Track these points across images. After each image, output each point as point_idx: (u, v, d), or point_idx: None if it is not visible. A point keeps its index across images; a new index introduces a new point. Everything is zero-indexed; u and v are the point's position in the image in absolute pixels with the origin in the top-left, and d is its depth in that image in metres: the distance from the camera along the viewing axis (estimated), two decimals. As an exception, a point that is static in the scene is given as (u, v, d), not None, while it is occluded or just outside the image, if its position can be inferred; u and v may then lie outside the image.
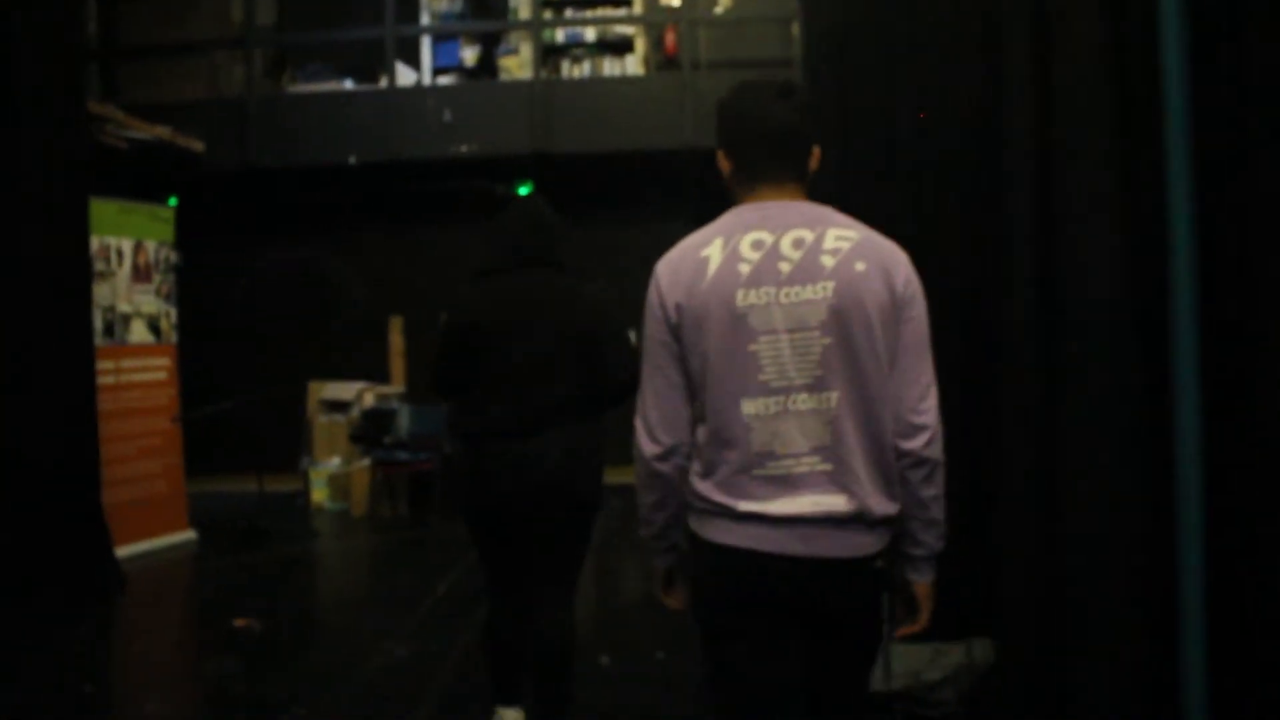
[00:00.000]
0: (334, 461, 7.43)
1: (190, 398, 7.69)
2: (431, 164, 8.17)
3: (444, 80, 8.62)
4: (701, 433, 1.78)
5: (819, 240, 1.75)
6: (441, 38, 8.79)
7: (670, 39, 8.68)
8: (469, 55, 8.80)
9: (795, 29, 8.58)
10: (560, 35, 8.76)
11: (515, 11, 8.64)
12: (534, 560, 2.97)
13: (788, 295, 1.72)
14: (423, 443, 6.67)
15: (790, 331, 1.72)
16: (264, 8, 9.30)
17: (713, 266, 1.74)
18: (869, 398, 1.73)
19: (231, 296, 8.98)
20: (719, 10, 8.72)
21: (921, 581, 1.88)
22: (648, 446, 1.82)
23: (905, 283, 1.77)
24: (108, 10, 8.53)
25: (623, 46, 8.76)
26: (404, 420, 6.86)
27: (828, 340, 1.71)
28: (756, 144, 1.80)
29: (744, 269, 1.73)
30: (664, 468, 1.81)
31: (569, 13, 8.80)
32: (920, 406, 1.77)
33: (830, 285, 1.72)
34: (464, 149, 8.00)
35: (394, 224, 8.82)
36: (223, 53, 8.65)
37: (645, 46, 8.77)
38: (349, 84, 8.61)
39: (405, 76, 8.46)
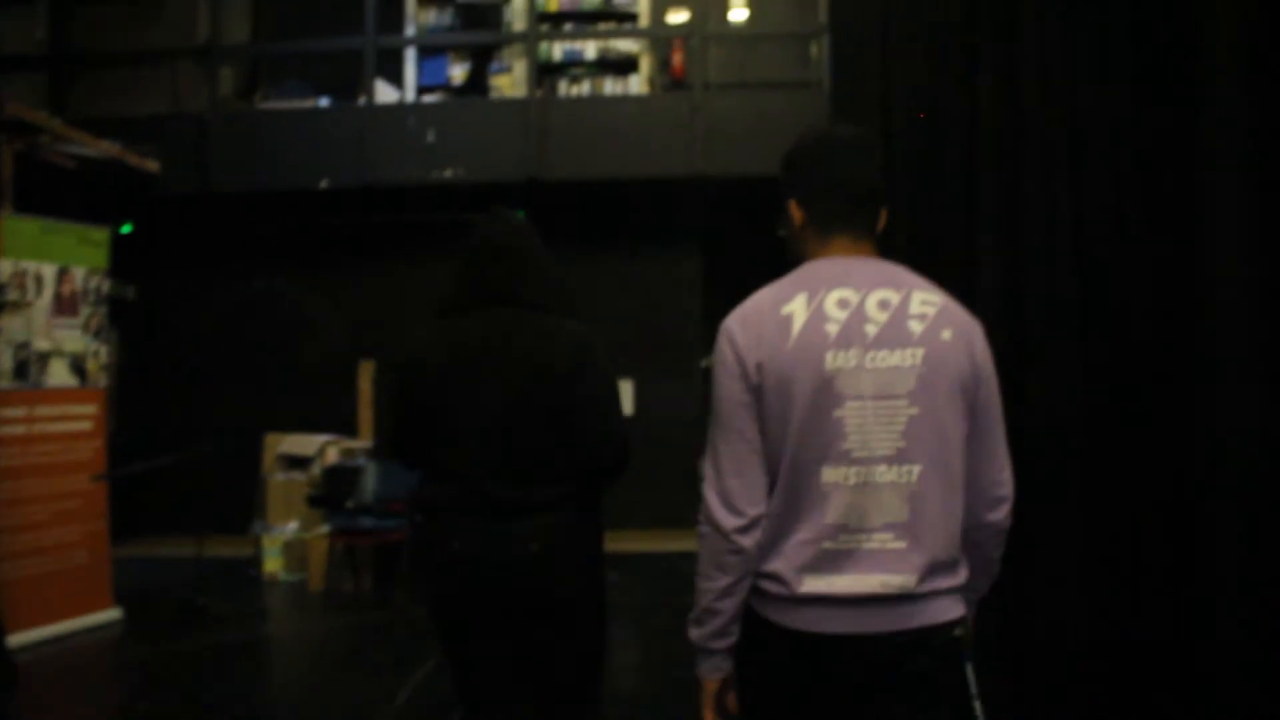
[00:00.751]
0: (290, 526, 6.52)
1: (131, 450, 6.89)
2: (412, 190, 7.35)
3: (428, 99, 7.79)
4: (772, 503, 1.68)
5: (905, 303, 1.69)
6: (428, 53, 7.97)
7: (678, 59, 7.89)
8: (458, 73, 7.98)
9: (816, 48, 7.84)
10: (558, 52, 7.94)
11: (509, 26, 7.83)
12: (517, 678, 2.44)
13: (874, 360, 1.65)
14: (391, 508, 5.76)
15: (876, 399, 1.64)
16: (237, 21, 8.55)
17: (797, 325, 1.67)
18: (951, 472, 1.68)
19: (185, 335, 8.14)
20: (732, 22, 7.92)
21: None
22: (728, 519, 1.68)
23: (983, 353, 1.74)
24: (59, 15, 7.70)
25: (625, 66, 7.94)
26: (370, 481, 5.96)
27: (914, 410, 1.65)
28: (837, 198, 1.75)
29: (832, 329, 1.66)
30: (746, 542, 1.68)
31: (568, 27, 7.99)
32: (1001, 478, 1.77)
33: (920, 353, 1.66)
34: (449, 173, 7.18)
35: (369, 257, 7.97)
36: (187, 66, 7.82)
37: (650, 66, 7.96)
38: (325, 103, 7.80)
39: (386, 95, 7.65)
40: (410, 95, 7.79)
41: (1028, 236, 3.24)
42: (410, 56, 7.88)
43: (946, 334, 1.69)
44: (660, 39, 8.02)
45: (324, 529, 6.10)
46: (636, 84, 7.87)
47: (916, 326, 1.68)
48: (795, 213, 1.80)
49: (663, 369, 7.89)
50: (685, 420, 7.76)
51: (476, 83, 7.85)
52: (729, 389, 1.69)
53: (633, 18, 7.87)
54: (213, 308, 8.05)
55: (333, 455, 6.64)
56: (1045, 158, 3.21)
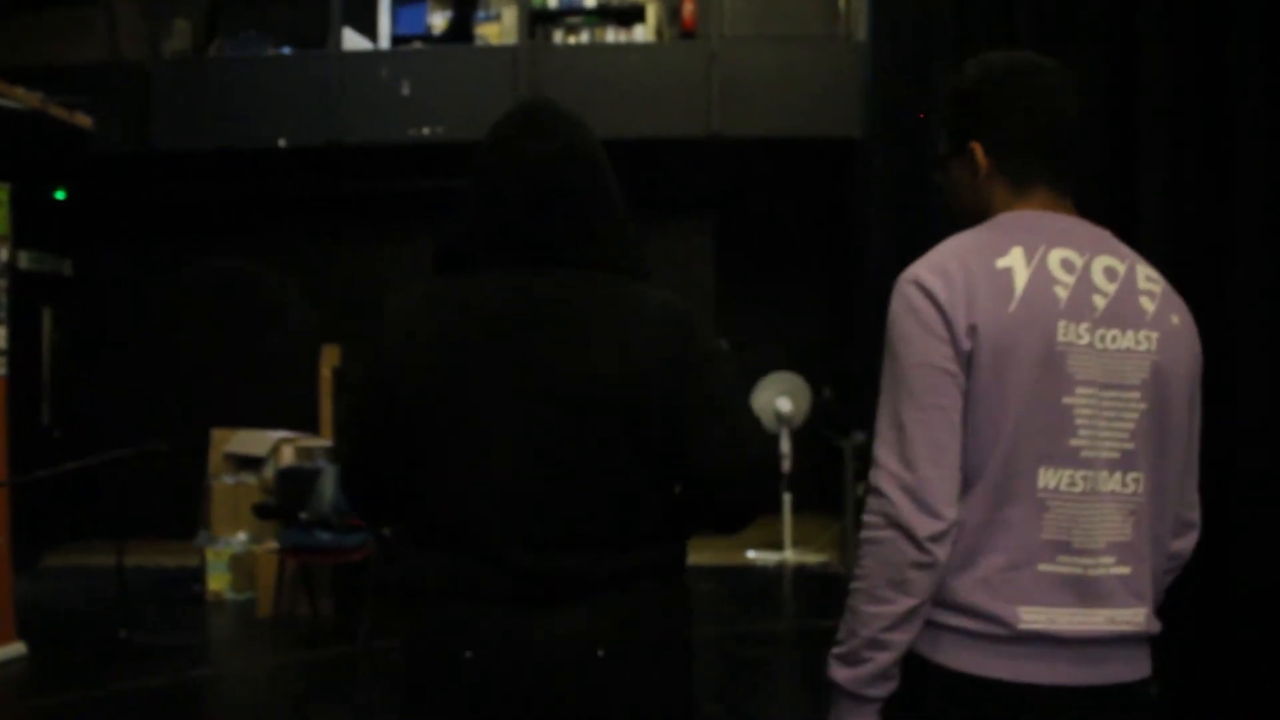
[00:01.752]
0: (239, 538, 5.60)
1: (68, 446, 6.06)
2: (385, 151, 6.41)
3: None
4: (967, 506, 1.35)
5: (1131, 275, 1.44)
6: (403, -1, 7.05)
7: (689, 7, 6.96)
8: (439, 21, 7.06)
9: (842, 1, 6.95)
10: (553, -1, 7.02)
11: (497, -34, 6.90)
12: None
13: (1104, 339, 1.38)
14: (353, 522, 4.84)
15: (1105, 387, 1.37)
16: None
17: (1019, 283, 1.37)
18: (1166, 485, 1.43)
19: (128, 316, 7.23)
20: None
21: None
22: (922, 522, 1.32)
23: (1199, 347, 1.48)
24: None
25: (630, 15, 7.03)
26: (328, 488, 5.03)
27: (1144, 406, 1.39)
28: (1041, 141, 1.48)
29: (1060, 293, 1.38)
30: (942, 554, 1.32)
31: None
32: (1194, 499, 1.53)
33: (1154, 337, 1.41)
34: (426, 132, 6.26)
35: (334, 227, 7.04)
36: (129, 10, 6.87)
37: (658, 15, 7.04)
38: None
39: (357, 45, 6.72)
40: (384, 45, 6.86)
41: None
42: (384, 2, 6.95)
43: (1175, 319, 1.46)
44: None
45: (275, 543, 5.18)
46: (642, 35, 6.95)
47: (1148, 304, 1.43)
48: (980, 157, 1.49)
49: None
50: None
51: (460, 32, 6.92)
52: (928, 352, 1.37)
53: (638, -42, 6.94)
54: (159, 285, 7.13)
55: (288, 455, 5.71)
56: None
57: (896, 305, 1.42)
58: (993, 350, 1.35)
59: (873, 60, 5.76)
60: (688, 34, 6.91)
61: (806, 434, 6.83)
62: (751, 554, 6.63)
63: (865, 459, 5.78)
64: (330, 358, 6.66)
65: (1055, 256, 1.42)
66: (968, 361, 1.36)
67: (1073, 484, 1.38)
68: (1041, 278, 1.39)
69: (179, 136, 6.39)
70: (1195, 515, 1.54)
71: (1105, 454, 1.39)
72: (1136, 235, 2.42)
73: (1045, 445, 1.36)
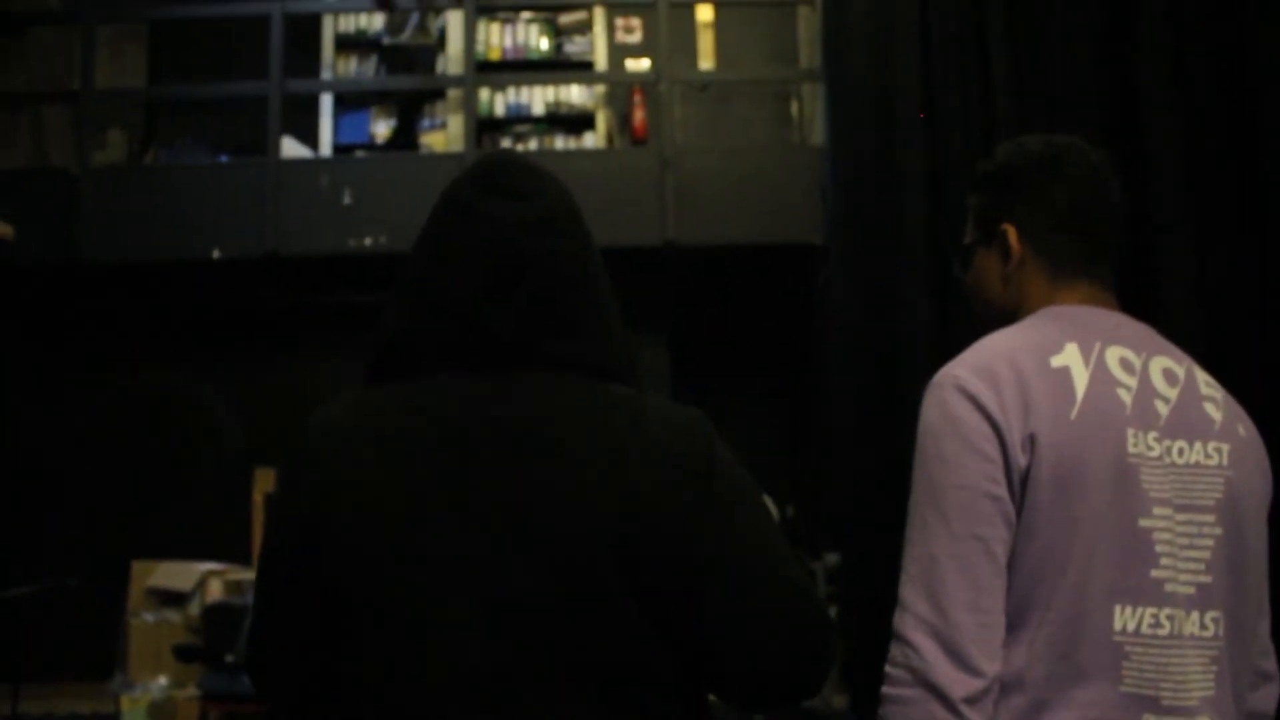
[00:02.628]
0: (159, 683, 5.10)
1: None
2: (325, 263, 6.10)
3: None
4: (1026, 654, 1.13)
5: (1191, 378, 1.28)
6: (347, 106, 6.82)
7: (639, 115, 6.83)
8: (382, 130, 6.85)
9: (796, 105, 6.88)
10: (500, 106, 6.84)
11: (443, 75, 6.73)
12: None
13: (1172, 451, 1.20)
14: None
15: (1180, 508, 1.18)
16: (130, 72, 7.39)
17: (1079, 385, 1.19)
18: (1243, 626, 1.23)
19: (47, 436, 6.76)
20: (701, 71, 6.89)
21: None
22: (957, 680, 1.10)
23: (1269, 467, 1.29)
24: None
25: (579, 122, 6.87)
26: (259, 627, 4.60)
27: (1219, 532, 1.20)
28: (1086, 222, 1.32)
29: (1124, 397, 1.21)
30: (977, 717, 1.10)
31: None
32: (1269, 644, 1.31)
33: (1225, 450, 1.23)
34: (368, 242, 5.97)
35: (270, 341, 6.66)
36: (57, 117, 6.58)
37: (608, 123, 6.89)
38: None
39: (297, 153, 6.47)
40: (326, 154, 6.62)
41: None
42: (326, 109, 6.73)
43: (1242, 430, 1.27)
44: (619, 93, 6.96)
45: (198, 689, 4.71)
46: (592, 143, 6.79)
47: (1213, 412, 1.25)
48: (1014, 241, 1.34)
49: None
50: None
51: (404, 140, 6.71)
52: (969, 472, 1.14)
53: (587, 67, 6.80)
54: (81, 404, 6.69)
55: (216, 590, 5.25)
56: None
57: (932, 414, 1.21)
58: (1056, 464, 1.16)
59: (831, 164, 5.62)
60: (639, 142, 6.77)
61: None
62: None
63: (840, 583, 5.50)
64: (264, 482, 6.23)
65: (1113, 355, 1.24)
66: (1023, 480, 1.17)
67: (1156, 625, 1.17)
68: (1103, 379, 1.21)
69: (107, 247, 6.03)
70: (1271, 664, 1.32)
71: (1182, 590, 1.19)
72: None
73: (1121, 578, 1.17)
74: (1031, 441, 1.17)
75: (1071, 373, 1.21)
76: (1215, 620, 1.21)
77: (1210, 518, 1.22)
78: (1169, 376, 1.27)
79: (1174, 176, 2.24)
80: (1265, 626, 1.31)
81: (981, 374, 1.21)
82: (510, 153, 1.34)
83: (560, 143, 6.84)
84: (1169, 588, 1.18)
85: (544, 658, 1.07)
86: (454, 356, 1.17)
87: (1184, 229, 2.22)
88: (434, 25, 6.60)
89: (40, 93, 6.32)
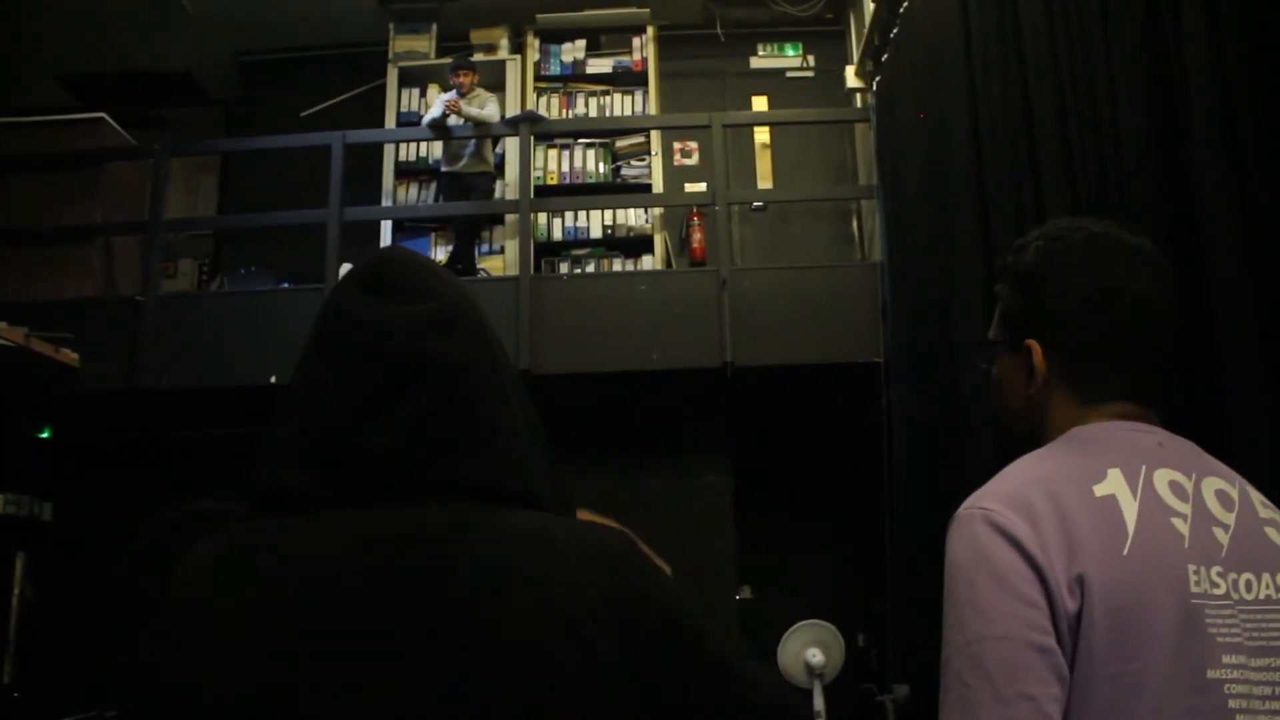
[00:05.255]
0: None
1: (27, 711, 6.04)
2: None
3: (405, 282, 6.65)
4: None
5: (1246, 500, 1.10)
6: (406, 233, 6.91)
7: (698, 236, 6.78)
8: (440, 256, 6.89)
9: (855, 224, 6.79)
10: (557, 230, 6.86)
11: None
12: None
13: (1237, 587, 1.02)
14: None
15: (1254, 654, 1.00)
16: (203, 202, 7.63)
17: (1129, 517, 1.02)
18: None
19: (110, 565, 6.74)
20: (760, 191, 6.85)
21: None
22: None
23: None
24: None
25: (637, 245, 6.86)
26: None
27: None
28: (1122, 343, 1.15)
29: (1181, 527, 1.04)
30: None
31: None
32: None
33: None
34: (423, 366, 5.91)
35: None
36: (128, 249, 6.74)
37: (665, 246, 6.87)
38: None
39: (356, 278, 6.52)
40: (385, 280, 6.66)
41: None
42: (386, 237, 6.81)
43: None
44: (677, 216, 6.95)
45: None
46: (650, 264, 6.76)
47: (1276, 537, 1.07)
48: (1038, 360, 1.17)
49: (687, 607, 6.40)
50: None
51: (462, 266, 6.74)
52: (1009, 618, 0.97)
53: (645, 189, 6.81)
54: (143, 531, 6.67)
55: None
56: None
57: (961, 553, 1.06)
58: (1111, 610, 1.00)
59: (889, 281, 5.49)
60: (698, 264, 6.71)
61: (841, 688, 6.16)
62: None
63: (909, 716, 5.17)
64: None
65: (1161, 479, 1.08)
66: (1074, 628, 1.00)
67: None
68: (1154, 508, 1.06)
69: (166, 374, 6.10)
70: None
71: None
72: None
73: None
74: (1081, 583, 1.01)
75: (1119, 502, 1.05)
76: None
77: None
78: (1223, 500, 1.10)
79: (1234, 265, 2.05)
80: None
81: (1014, 505, 1.05)
82: (400, 249, 1.17)
83: (618, 265, 6.82)
84: None
85: None
86: (334, 485, 1.02)
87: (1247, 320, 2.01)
88: (491, 153, 6.67)
89: (111, 224, 6.46)
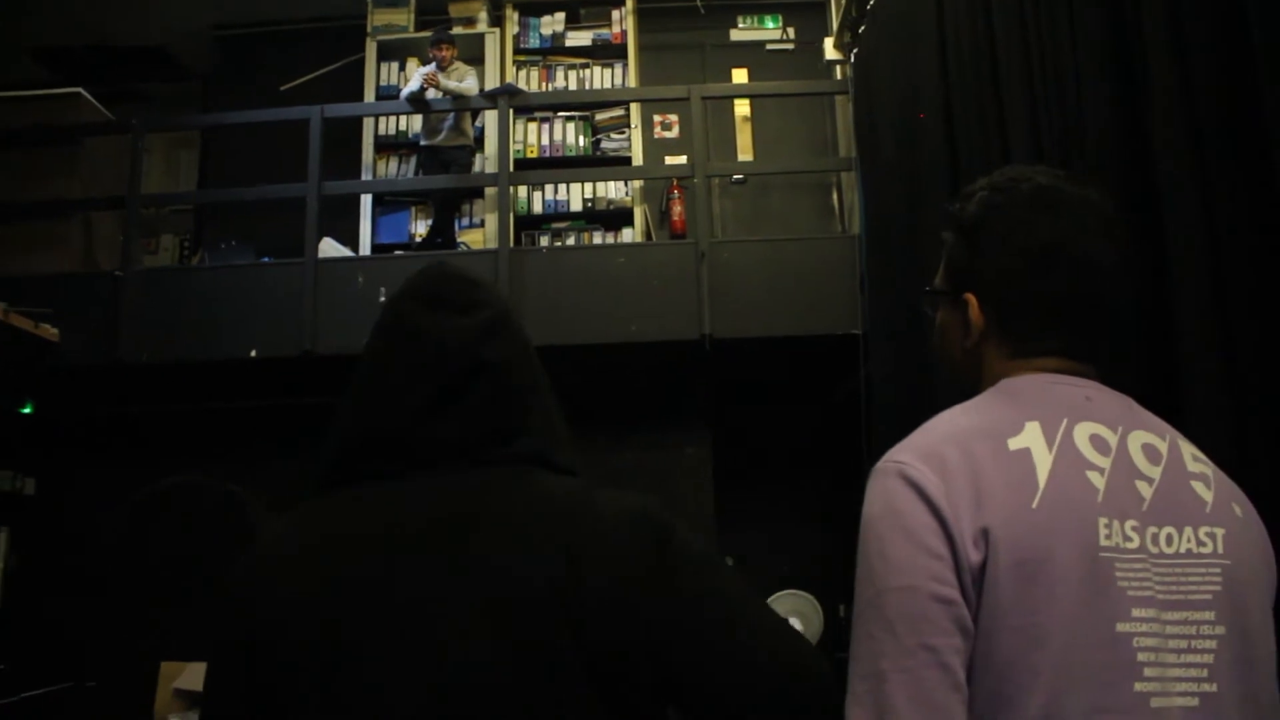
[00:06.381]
0: (180, 791, 4.97)
1: (15, 682, 5.83)
2: (358, 361, 6.05)
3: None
4: None
5: (1176, 454, 1.10)
6: (386, 208, 6.90)
7: (678, 209, 6.80)
8: (421, 230, 6.89)
9: (836, 196, 6.81)
10: (537, 204, 6.87)
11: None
12: None
13: (1157, 540, 1.03)
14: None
15: (1168, 607, 1.01)
16: (185, 177, 7.60)
17: (1042, 470, 1.02)
18: None
19: (90, 539, 6.76)
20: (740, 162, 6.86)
21: None
22: None
23: (1271, 552, 1.11)
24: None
25: (617, 218, 6.87)
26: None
27: (1221, 631, 1.02)
28: (1059, 303, 1.13)
29: (1096, 480, 1.03)
30: None
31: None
32: None
33: (1219, 535, 1.05)
34: (403, 339, 5.92)
35: (306, 438, 6.62)
36: (107, 224, 6.72)
37: (646, 219, 6.88)
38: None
39: (336, 254, 6.52)
40: (365, 253, 6.67)
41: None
42: (366, 211, 6.81)
43: (1238, 509, 1.10)
44: (657, 189, 6.96)
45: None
46: (630, 237, 6.78)
47: (1203, 491, 1.07)
48: (974, 314, 1.17)
49: (665, 575, 6.45)
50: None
51: (442, 239, 6.74)
52: (913, 569, 0.97)
53: (625, 162, 6.81)
54: (117, 502, 6.69)
55: (241, 695, 5.13)
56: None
57: (873, 504, 1.07)
58: (1015, 562, 0.99)
59: (866, 253, 5.51)
60: (678, 237, 6.73)
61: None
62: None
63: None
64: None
65: (1082, 433, 1.07)
66: (978, 580, 1.00)
67: None
68: (1070, 461, 1.05)
69: (147, 348, 6.09)
70: None
71: (1180, 701, 1.00)
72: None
73: (1099, 694, 0.98)
74: (985, 535, 1.00)
75: (1033, 456, 1.05)
76: None
77: (1209, 615, 1.04)
78: (1150, 453, 1.10)
79: (1191, 218, 2.08)
80: None
81: (927, 458, 1.06)
82: (449, 265, 1.34)
83: (598, 238, 6.83)
84: (1156, 702, 1.00)
85: None
86: (406, 463, 1.20)
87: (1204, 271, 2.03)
88: (470, 127, 6.66)
89: (90, 199, 6.43)
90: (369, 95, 6.96)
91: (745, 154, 7.17)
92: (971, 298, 1.20)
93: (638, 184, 6.85)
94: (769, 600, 6.13)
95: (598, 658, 1.07)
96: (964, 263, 1.22)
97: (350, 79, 7.10)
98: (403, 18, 7.05)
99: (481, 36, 6.99)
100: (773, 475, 7.35)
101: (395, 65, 7.09)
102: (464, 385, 1.21)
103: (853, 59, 5.67)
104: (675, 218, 6.83)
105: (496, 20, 7.14)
